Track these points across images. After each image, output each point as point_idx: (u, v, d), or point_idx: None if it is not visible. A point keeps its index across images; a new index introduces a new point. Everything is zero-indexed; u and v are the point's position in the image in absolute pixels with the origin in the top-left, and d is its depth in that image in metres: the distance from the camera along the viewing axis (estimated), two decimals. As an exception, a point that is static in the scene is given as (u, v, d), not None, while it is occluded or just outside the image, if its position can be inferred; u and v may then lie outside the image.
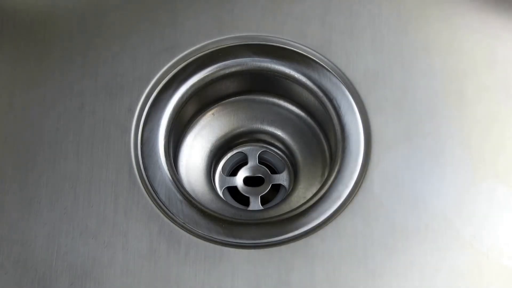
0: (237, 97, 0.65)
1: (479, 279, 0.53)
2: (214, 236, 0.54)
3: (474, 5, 0.61)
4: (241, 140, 0.66)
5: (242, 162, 0.66)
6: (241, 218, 0.58)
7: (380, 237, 0.54)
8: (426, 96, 0.59)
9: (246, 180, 0.65)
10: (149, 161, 0.57)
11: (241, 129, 0.66)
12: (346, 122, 0.58)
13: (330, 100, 0.59)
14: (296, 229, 0.55)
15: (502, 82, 0.59)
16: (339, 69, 0.60)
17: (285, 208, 0.61)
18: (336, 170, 0.57)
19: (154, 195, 0.56)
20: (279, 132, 0.66)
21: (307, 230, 0.54)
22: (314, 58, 0.60)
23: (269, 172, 0.65)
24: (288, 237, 0.54)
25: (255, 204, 0.64)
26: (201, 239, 0.54)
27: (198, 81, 0.60)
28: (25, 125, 0.58)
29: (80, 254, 0.54)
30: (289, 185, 0.64)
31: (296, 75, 0.60)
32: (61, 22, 0.62)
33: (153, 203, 0.55)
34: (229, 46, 0.61)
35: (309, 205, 0.56)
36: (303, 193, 0.63)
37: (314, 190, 0.60)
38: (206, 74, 0.60)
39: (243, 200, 0.64)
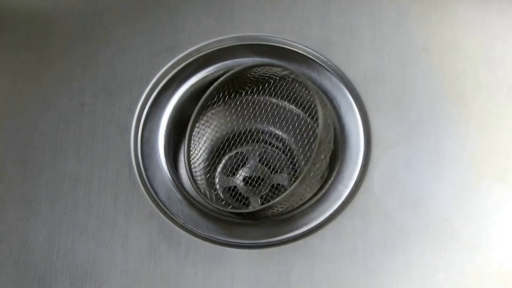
0: (237, 97, 0.65)
1: (479, 279, 0.53)
2: (214, 236, 0.54)
3: (474, 5, 0.61)
4: (241, 140, 0.66)
5: (242, 162, 0.66)
6: (241, 218, 0.58)
7: (380, 237, 0.54)
8: (426, 96, 0.59)
9: (246, 180, 0.65)
10: (149, 161, 0.57)
11: (241, 129, 0.66)
12: (346, 122, 0.58)
13: (330, 100, 0.59)
14: (296, 229, 0.55)
15: (502, 82, 0.59)
16: (339, 69, 0.60)
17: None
18: (336, 170, 0.57)
19: (154, 195, 0.56)
20: (279, 132, 0.66)
21: (307, 230, 0.54)
22: (314, 58, 0.60)
23: (269, 172, 0.65)
24: (288, 237, 0.54)
25: (255, 204, 0.64)
26: (201, 239, 0.54)
27: (198, 81, 0.60)
28: (25, 125, 0.58)
29: (80, 254, 0.54)
30: (289, 185, 0.64)
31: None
32: (61, 22, 0.62)
33: (153, 203, 0.55)
34: (229, 46, 0.61)
35: (309, 205, 0.56)
36: (303, 193, 0.62)
37: (314, 190, 0.60)
38: (206, 74, 0.60)
39: (243, 200, 0.64)
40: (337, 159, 0.57)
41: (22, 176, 0.56)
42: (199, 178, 0.63)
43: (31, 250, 0.54)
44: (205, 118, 0.65)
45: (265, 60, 0.60)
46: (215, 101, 0.65)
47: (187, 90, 0.60)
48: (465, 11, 0.61)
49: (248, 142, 0.66)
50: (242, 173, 0.65)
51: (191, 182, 0.58)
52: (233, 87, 0.62)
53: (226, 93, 0.65)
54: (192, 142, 0.65)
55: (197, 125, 0.63)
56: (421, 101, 0.58)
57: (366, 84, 0.59)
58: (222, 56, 0.60)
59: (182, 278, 0.53)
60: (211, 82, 0.61)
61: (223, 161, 0.66)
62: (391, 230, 0.55)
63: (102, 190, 0.56)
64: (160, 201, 0.55)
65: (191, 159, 0.60)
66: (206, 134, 0.65)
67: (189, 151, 0.60)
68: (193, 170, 0.64)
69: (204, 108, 0.62)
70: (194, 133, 0.62)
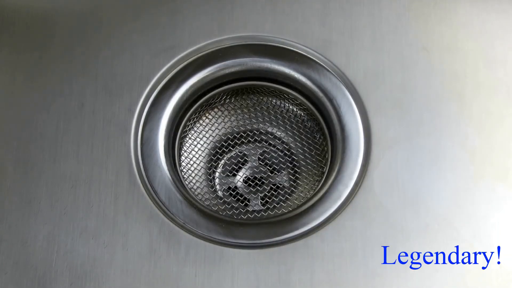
0: (237, 97, 0.65)
1: (479, 279, 0.53)
2: (214, 236, 0.54)
3: (474, 5, 0.61)
4: (241, 140, 0.66)
5: (242, 162, 0.66)
6: (241, 218, 0.58)
7: (380, 237, 0.54)
8: (426, 96, 0.59)
9: (246, 180, 0.65)
10: (149, 161, 0.57)
11: (241, 129, 0.66)
12: (346, 122, 0.58)
13: (330, 100, 0.59)
14: (296, 229, 0.55)
15: (502, 82, 0.59)
16: (339, 69, 0.60)
17: (285, 208, 0.61)
18: (336, 170, 0.57)
19: (154, 195, 0.56)
20: (279, 132, 0.66)
21: (307, 230, 0.54)
22: (314, 58, 0.60)
23: (269, 172, 0.65)
24: (288, 237, 0.54)
25: (255, 204, 0.64)
26: (201, 239, 0.54)
27: (198, 81, 0.60)
28: (25, 125, 0.58)
29: (80, 254, 0.54)
30: (289, 185, 0.64)
31: (296, 75, 0.60)
32: (61, 22, 0.62)
33: (153, 203, 0.55)
34: (229, 46, 0.61)
35: (309, 205, 0.56)
36: (303, 193, 0.63)
37: (314, 190, 0.60)
38: (206, 74, 0.60)
39: (243, 200, 0.64)
40: (337, 159, 0.57)
41: (22, 176, 0.56)
42: (199, 178, 0.63)
43: (31, 250, 0.54)
44: (205, 118, 0.65)
45: (265, 60, 0.60)
46: (215, 101, 0.65)
47: (187, 90, 0.60)
48: (465, 11, 0.61)
49: (248, 142, 0.66)
50: (242, 173, 0.65)
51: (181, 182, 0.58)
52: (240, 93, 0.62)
53: (228, 95, 0.65)
54: (192, 142, 0.65)
55: (197, 125, 0.63)
56: (421, 101, 0.58)
57: (366, 84, 0.59)
58: (222, 56, 0.60)
59: (182, 278, 0.53)
60: (211, 82, 0.61)
61: (223, 161, 0.66)
62: (391, 230, 0.54)
63: (102, 190, 0.56)
64: (160, 201, 0.55)
65: (190, 159, 0.61)
66: (206, 134, 0.65)
67: (180, 154, 0.60)
68: (193, 170, 0.64)
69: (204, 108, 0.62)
70: (194, 133, 0.62)
